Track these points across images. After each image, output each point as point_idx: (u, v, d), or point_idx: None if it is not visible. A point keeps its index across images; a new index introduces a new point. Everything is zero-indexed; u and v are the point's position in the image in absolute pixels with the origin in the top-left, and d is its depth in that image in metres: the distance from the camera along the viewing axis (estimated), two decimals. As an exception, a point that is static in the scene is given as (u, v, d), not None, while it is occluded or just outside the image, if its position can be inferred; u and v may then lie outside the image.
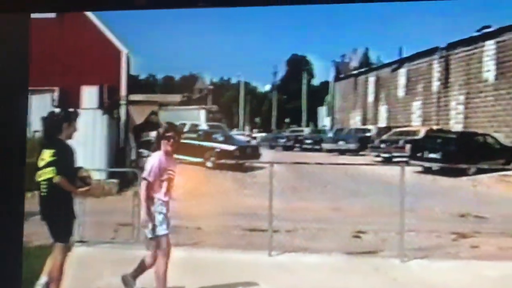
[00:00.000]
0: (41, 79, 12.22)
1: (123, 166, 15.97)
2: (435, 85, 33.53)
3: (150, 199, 6.07)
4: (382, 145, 24.36)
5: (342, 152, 29.50)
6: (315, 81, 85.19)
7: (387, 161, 21.55)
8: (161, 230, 6.05)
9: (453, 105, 30.92)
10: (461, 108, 30.04)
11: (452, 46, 31.41)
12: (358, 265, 8.04)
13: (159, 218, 6.04)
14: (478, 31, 29.31)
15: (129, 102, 23.41)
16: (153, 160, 6.26)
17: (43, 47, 14.08)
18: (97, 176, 11.96)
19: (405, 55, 43.06)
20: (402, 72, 40.19)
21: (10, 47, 1.49)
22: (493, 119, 26.39)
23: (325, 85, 68.56)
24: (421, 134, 24.39)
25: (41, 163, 5.51)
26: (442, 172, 18.38)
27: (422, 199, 13.49)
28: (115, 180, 14.43)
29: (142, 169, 11.63)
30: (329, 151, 31.67)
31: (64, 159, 5.57)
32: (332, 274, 7.61)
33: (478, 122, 27.59)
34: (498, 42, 27.28)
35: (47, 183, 5.50)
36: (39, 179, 5.52)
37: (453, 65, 31.64)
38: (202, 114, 37.63)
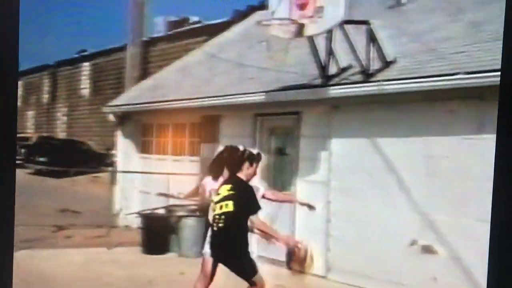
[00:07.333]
0: None
1: None
2: (45, 97, 37.07)
3: None
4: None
5: None
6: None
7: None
8: None
9: (59, 115, 34.96)
10: (65, 118, 34.41)
11: (58, 64, 35.38)
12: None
13: None
14: (77, 53, 33.81)
15: None
16: None
17: None
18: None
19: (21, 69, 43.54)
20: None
21: None
22: (88, 129, 30.94)
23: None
24: (34, 140, 27.26)
25: (216, 198, 5.54)
26: (50, 174, 21.19)
27: (33, 197, 15.01)
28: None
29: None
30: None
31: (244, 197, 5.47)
32: None
33: (77, 131, 32.13)
34: (93, 65, 32.11)
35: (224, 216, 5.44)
36: (215, 213, 5.50)
37: (59, 81, 35.61)
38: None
